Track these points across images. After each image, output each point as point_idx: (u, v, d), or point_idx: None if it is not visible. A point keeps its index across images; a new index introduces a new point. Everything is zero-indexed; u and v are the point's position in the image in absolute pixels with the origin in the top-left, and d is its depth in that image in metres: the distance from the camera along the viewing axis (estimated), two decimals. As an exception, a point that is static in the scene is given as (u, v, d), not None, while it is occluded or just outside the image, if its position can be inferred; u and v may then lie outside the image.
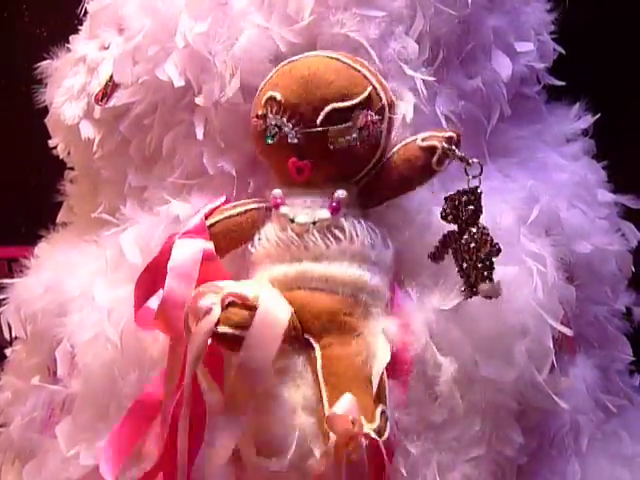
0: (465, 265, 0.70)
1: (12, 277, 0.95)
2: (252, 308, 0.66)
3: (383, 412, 0.66)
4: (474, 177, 0.71)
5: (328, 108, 0.71)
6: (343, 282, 0.71)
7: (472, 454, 0.73)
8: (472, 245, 0.70)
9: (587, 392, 0.85)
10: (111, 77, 0.86)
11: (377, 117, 0.72)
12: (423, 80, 0.79)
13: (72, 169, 1.02)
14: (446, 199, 0.72)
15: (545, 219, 0.82)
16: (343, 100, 0.71)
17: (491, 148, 0.88)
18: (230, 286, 0.68)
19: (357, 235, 0.72)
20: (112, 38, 0.88)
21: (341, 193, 0.72)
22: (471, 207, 0.71)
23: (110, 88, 0.86)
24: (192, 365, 0.66)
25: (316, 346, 0.70)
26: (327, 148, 0.72)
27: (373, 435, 0.63)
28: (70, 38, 0.96)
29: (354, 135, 0.71)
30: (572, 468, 0.84)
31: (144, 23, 0.83)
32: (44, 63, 0.96)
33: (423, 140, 0.72)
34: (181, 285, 0.71)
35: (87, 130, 0.88)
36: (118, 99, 0.85)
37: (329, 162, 0.73)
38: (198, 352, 0.66)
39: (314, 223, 0.72)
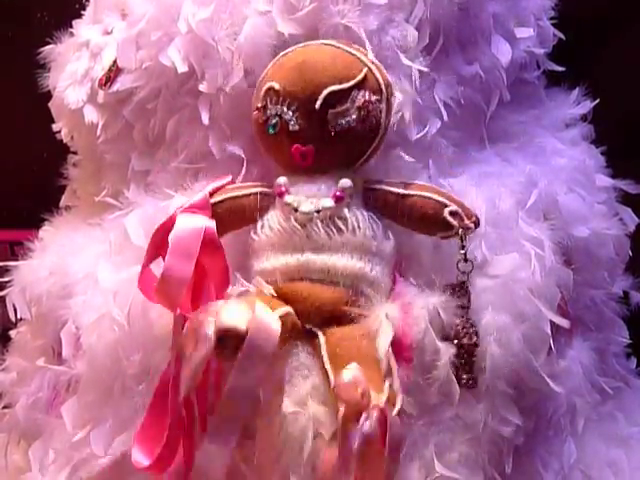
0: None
1: (15, 260, 0.95)
2: (245, 333, 0.66)
3: (391, 385, 0.67)
4: (463, 273, 0.73)
5: (326, 91, 0.72)
6: (344, 273, 0.72)
7: (469, 434, 0.74)
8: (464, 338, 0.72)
9: (583, 374, 0.86)
10: (114, 62, 0.86)
11: (375, 97, 0.73)
12: (421, 68, 0.79)
13: (75, 153, 1.02)
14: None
15: (543, 203, 0.82)
16: (340, 83, 0.72)
17: (490, 133, 0.88)
18: (222, 315, 0.67)
19: (359, 227, 0.72)
20: (115, 23, 0.89)
21: (345, 182, 0.73)
22: (460, 300, 0.73)
23: (114, 73, 0.86)
24: (186, 388, 0.68)
25: (319, 334, 0.71)
26: (328, 132, 0.72)
27: (382, 405, 0.64)
28: (73, 23, 0.97)
29: (353, 116, 0.72)
30: (568, 448, 0.85)
31: (147, 8, 0.83)
32: (47, 48, 0.96)
33: (450, 214, 0.72)
34: (181, 261, 0.72)
35: (91, 114, 0.89)
36: (122, 84, 0.85)
37: (332, 146, 0.73)
38: (193, 376, 0.67)
39: (318, 212, 0.72)
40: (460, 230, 0.72)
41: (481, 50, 0.85)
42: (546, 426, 0.84)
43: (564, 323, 0.78)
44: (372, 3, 0.78)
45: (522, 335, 0.74)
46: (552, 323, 0.77)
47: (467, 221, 0.72)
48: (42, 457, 0.86)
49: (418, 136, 0.80)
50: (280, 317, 0.69)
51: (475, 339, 0.72)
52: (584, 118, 0.98)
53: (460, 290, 0.73)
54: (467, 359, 0.72)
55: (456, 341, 0.72)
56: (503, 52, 0.86)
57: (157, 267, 0.75)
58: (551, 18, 0.95)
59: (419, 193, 0.73)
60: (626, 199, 0.97)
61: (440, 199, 0.73)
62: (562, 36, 0.96)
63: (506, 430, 0.76)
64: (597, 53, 1.12)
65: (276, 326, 0.67)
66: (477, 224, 0.73)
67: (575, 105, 0.98)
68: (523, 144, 0.90)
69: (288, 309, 0.71)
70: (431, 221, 0.73)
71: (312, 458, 0.68)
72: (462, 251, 0.72)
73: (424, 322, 0.71)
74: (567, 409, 0.84)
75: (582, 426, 0.87)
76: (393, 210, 0.74)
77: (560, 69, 0.98)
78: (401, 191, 0.74)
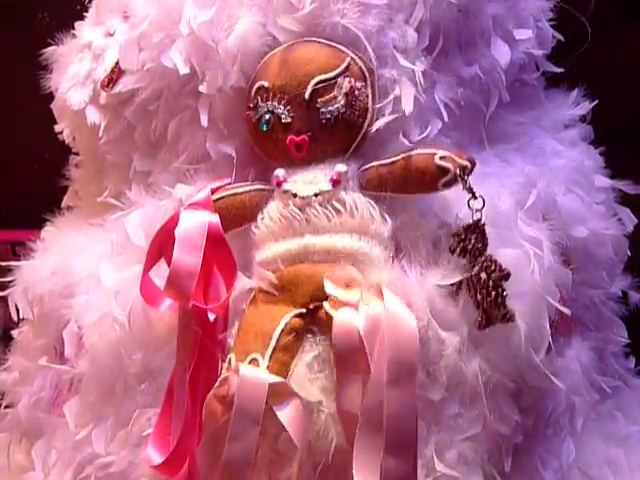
0: (479, 296, 0.72)
1: (17, 260, 0.96)
2: None
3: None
4: (477, 210, 0.72)
5: (313, 81, 0.76)
6: (345, 253, 0.73)
7: (469, 433, 0.75)
8: (482, 275, 0.71)
9: (582, 373, 0.86)
10: (117, 63, 0.87)
11: (360, 83, 0.76)
12: (420, 67, 0.79)
13: (77, 154, 1.03)
14: (452, 235, 0.73)
15: (542, 204, 0.83)
16: (326, 72, 0.76)
17: (490, 134, 0.89)
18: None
19: (357, 208, 0.74)
20: (117, 25, 0.89)
21: (341, 167, 0.75)
22: (476, 239, 0.72)
23: (116, 74, 0.87)
24: None
25: (325, 303, 0.71)
26: (320, 120, 0.75)
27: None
28: (75, 24, 0.97)
29: (342, 102, 0.75)
30: (567, 447, 0.86)
31: (149, 10, 0.84)
32: (49, 49, 0.97)
33: (441, 158, 0.72)
34: (189, 254, 0.73)
35: (93, 116, 0.90)
36: (124, 85, 0.86)
37: (325, 134, 0.76)
38: None
39: (316, 195, 0.74)
40: (457, 170, 0.71)
41: (480, 52, 0.85)
42: (545, 425, 0.84)
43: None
44: (371, 4, 0.78)
45: (522, 331, 0.74)
46: (551, 322, 0.77)
47: (460, 160, 0.72)
48: (45, 456, 0.87)
49: (420, 137, 0.80)
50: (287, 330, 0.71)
51: (503, 270, 0.71)
52: (583, 119, 0.99)
53: (476, 228, 0.72)
54: (499, 293, 0.71)
55: (484, 277, 0.71)
56: (502, 53, 0.86)
57: (157, 274, 0.76)
58: (550, 19, 0.95)
59: (407, 154, 0.74)
60: (625, 199, 0.98)
61: (428, 150, 0.74)
62: (561, 37, 0.96)
63: (506, 428, 0.76)
64: (595, 53, 1.12)
65: (264, 380, 0.66)
66: (472, 162, 0.72)
67: (574, 106, 0.98)
68: (522, 145, 0.90)
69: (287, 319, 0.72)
70: (426, 173, 0.73)
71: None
72: (467, 188, 0.72)
73: (426, 316, 0.72)
74: (566, 408, 0.84)
75: (581, 425, 0.87)
76: (388, 179, 0.75)
77: (559, 70, 0.98)
78: (391, 160, 0.75)
